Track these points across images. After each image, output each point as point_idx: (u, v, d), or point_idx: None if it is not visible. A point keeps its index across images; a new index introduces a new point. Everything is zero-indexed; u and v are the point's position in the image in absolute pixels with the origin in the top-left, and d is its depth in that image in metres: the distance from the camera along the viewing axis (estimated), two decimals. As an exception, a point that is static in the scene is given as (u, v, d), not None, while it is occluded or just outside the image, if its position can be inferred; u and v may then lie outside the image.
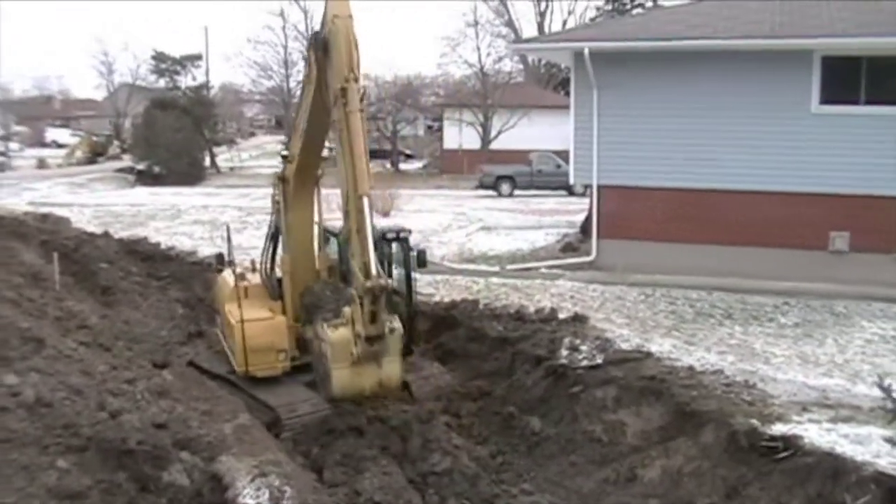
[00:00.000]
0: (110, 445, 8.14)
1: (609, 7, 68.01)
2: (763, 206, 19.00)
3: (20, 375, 8.65)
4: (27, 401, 8.26)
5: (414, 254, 13.29)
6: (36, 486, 7.32)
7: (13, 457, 7.50)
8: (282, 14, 65.97)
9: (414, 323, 13.15)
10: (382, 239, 13.11)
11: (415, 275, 13.37)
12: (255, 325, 12.46)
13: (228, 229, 14.17)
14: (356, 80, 10.43)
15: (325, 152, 12.84)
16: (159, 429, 8.80)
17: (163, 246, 20.94)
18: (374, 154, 68.28)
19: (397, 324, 11.45)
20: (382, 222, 29.04)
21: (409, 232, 13.37)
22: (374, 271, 10.14)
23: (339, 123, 10.48)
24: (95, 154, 71.14)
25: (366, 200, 10.60)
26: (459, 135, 58.29)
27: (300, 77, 67.70)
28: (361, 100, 10.54)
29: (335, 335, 11.15)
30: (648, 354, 12.65)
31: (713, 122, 19.23)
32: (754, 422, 10.04)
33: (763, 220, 18.99)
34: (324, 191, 13.28)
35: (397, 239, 13.21)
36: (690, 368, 12.04)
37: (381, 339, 10.64)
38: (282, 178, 13.12)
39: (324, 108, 11.13)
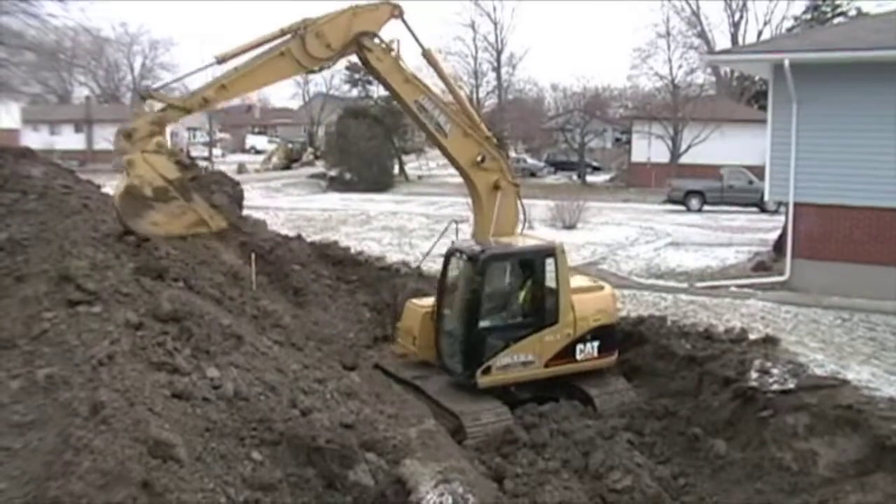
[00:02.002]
0: (301, 442, 8.46)
1: (808, 16, 65.48)
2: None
3: (221, 369, 9.08)
4: (227, 394, 8.68)
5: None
6: (233, 474, 7.70)
7: (213, 445, 7.92)
8: (472, 25, 66.90)
9: (475, 348, 12.66)
10: (458, 255, 13.24)
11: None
12: (408, 309, 13.97)
13: (456, 225, 14.85)
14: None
15: (479, 159, 13.41)
16: (347, 429, 9.06)
17: (352, 251, 21.49)
18: (562, 165, 68.61)
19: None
20: (567, 235, 29.08)
21: (487, 252, 12.80)
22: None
23: None
24: (290, 160, 74.37)
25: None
26: (648, 148, 57.47)
27: (490, 88, 69.27)
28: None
29: None
30: (845, 382, 12.03)
31: (924, 138, 18.10)
32: (963, 461, 9.40)
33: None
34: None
35: (468, 258, 12.96)
36: (891, 399, 11.36)
37: None
38: None
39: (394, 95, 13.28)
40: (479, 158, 13.25)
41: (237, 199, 13.30)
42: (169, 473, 7.19)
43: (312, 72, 12.92)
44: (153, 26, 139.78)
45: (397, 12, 12.76)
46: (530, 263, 13.13)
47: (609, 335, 13.53)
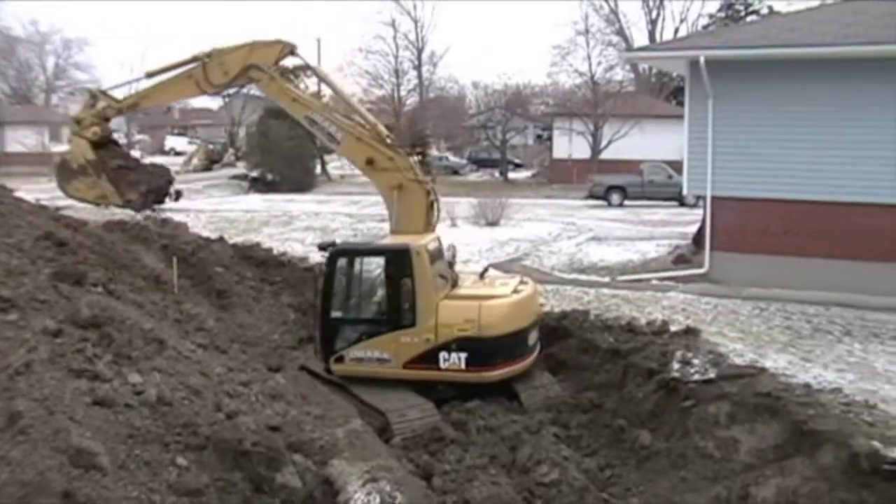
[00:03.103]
0: (227, 445, 8.34)
1: (722, 14, 66.93)
2: (886, 219, 18.29)
3: (143, 375, 8.92)
4: (150, 399, 8.53)
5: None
6: (157, 481, 7.56)
7: (136, 452, 7.76)
8: (393, 24, 66.80)
9: (327, 336, 13.29)
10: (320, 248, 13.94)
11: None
12: None
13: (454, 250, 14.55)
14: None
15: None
16: (273, 431, 8.97)
17: (275, 252, 21.31)
18: (484, 163, 68.92)
19: None
20: (491, 232, 29.23)
21: (335, 245, 13.66)
22: None
23: None
24: (211, 161, 73.14)
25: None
26: (569, 144, 58.04)
27: (411, 86, 69.20)
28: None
29: None
30: (763, 370, 12.32)
31: (834, 133, 18.60)
32: (876, 444, 9.65)
33: (886, 234, 18.31)
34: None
35: (323, 248, 13.67)
36: (807, 386, 11.67)
37: None
38: None
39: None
40: (366, 160, 13.59)
41: (154, 189, 16.13)
42: (91, 482, 7.03)
43: (216, 94, 14.65)
44: (66, 25, 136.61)
45: (287, 50, 14.38)
46: (384, 262, 13.20)
47: (482, 350, 12.66)
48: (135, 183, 15.25)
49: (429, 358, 12.72)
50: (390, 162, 13.52)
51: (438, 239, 13.62)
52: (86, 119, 14.84)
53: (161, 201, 16.04)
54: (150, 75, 14.92)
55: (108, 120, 15.14)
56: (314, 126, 14.10)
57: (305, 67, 15.41)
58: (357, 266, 13.46)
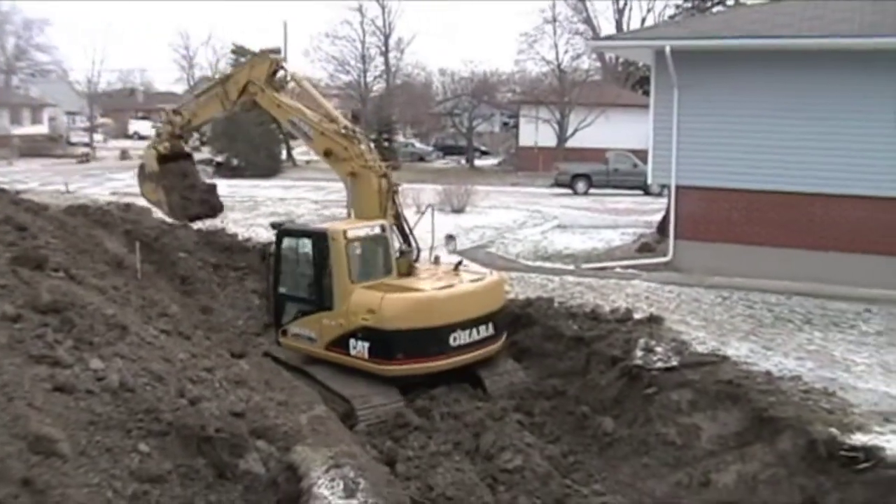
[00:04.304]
0: (190, 432, 8.28)
1: (689, 5, 67.16)
2: (846, 210, 18.50)
3: (105, 360, 8.82)
4: (112, 385, 8.43)
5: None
6: (119, 468, 7.47)
7: (98, 439, 7.66)
8: (360, 9, 66.30)
9: (276, 309, 14.14)
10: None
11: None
12: None
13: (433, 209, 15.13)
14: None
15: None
16: (237, 417, 8.94)
17: (240, 237, 21.23)
18: (450, 150, 68.79)
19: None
20: (456, 219, 29.21)
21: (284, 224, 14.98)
22: None
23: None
24: (175, 146, 72.29)
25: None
26: (535, 132, 58.00)
27: (378, 72, 68.84)
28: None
29: None
30: (725, 358, 12.48)
31: (797, 124, 18.73)
32: (833, 430, 9.85)
33: (846, 225, 18.51)
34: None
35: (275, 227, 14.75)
36: (768, 374, 11.84)
37: None
38: None
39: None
40: (324, 151, 14.21)
41: (184, 210, 17.41)
42: (51, 469, 6.94)
43: (236, 110, 17.03)
44: (26, 5, 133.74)
45: (275, 64, 15.66)
46: (311, 245, 13.46)
47: (381, 342, 12.44)
48: (186, 199, 17.10)
49: (342, 342, 12.84)
50: (345, 151, 13.89)
51: (382, 226, 13.39)
52: (164, 133, 17.14)
53: (212, 216, 18.27)
54: (197, 96, 17.85)
55: (179, 137, 17.28)
56: (294, 127, 15.14)
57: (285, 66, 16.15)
58: (296, 246, 14.01)
